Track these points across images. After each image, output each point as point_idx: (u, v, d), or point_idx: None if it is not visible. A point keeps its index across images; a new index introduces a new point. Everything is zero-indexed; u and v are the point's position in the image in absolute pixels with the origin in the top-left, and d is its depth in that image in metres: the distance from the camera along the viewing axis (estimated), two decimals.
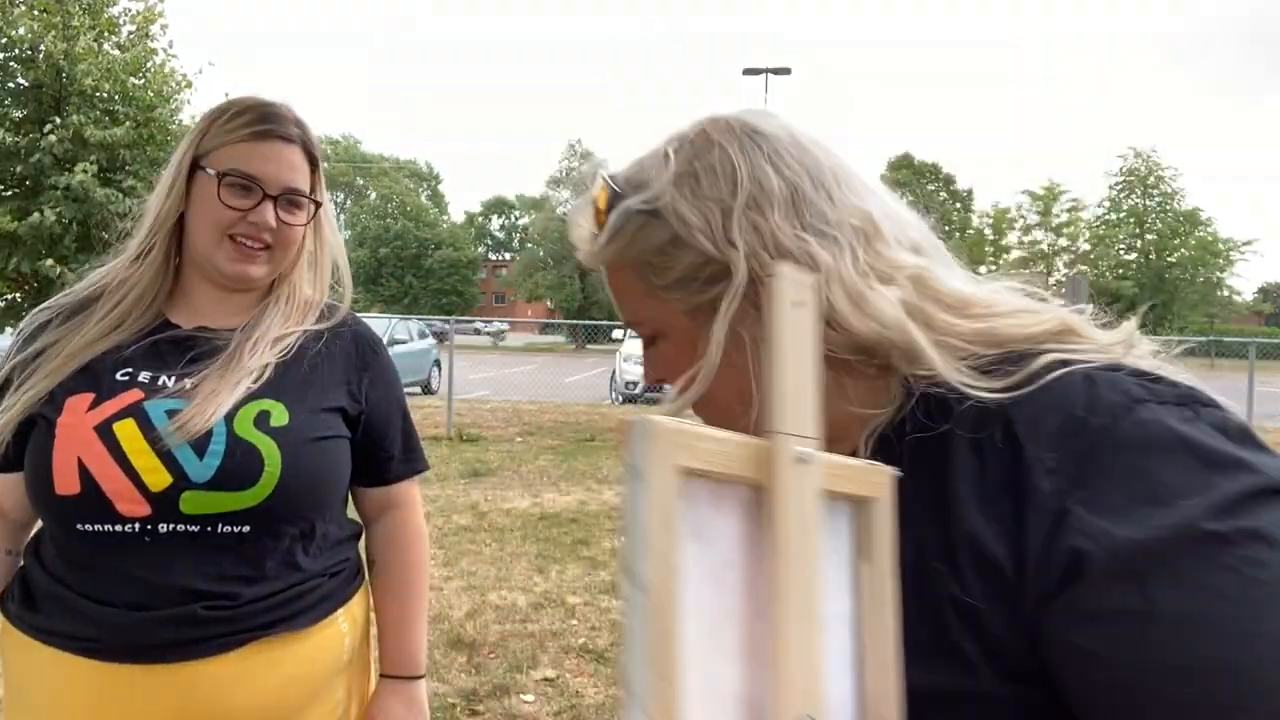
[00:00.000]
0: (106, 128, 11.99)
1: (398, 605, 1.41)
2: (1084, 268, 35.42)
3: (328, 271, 1.39)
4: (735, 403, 0.68)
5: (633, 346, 13.28)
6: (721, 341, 0.67)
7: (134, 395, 1.18)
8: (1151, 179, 38.93)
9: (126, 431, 1.15)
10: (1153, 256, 38.28)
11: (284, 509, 1.20)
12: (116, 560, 1.15)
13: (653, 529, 0.47)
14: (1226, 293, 40.35)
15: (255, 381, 1.21)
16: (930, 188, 52.46)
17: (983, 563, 0.58)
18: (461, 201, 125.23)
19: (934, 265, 0.70)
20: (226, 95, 1.34)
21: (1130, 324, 0.68)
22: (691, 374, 0.69)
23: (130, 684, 1.14)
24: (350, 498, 1.39)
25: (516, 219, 71.96)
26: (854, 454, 0.65)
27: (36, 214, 11.55)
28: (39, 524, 1.26)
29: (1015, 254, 41.16)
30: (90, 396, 1.18)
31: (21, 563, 1.27)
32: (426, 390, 15.52)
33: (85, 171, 11.55)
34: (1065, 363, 0.62)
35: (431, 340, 16.91)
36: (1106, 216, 39.58)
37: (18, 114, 12.43)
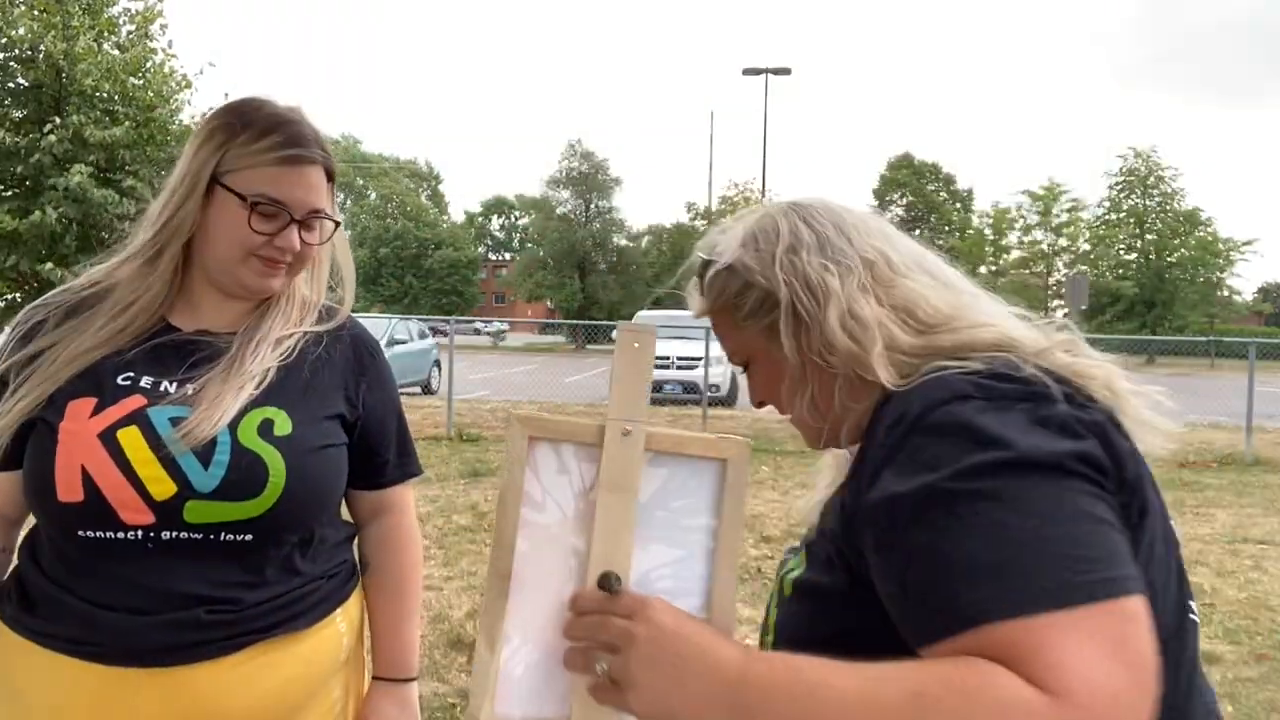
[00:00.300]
0: (106, 128, 11.99)
1: (391, 608, 1.42)
2: (1084, 268, 35.40)
3: (326, 272, 1.39)
4: (809, 418, 0.97)
5: None
6: (795, 348, 0.92)
7: (137, 401, 1.18)
8: (1151, 179, 38.91)
9: (130, 439, 1.14)
10: (1153, 256, 38.24)
11: (287, 518, 1.21)
12: (118, 566, 1.15)
13: (504, 507, 0.85)
14: (1226, 293, 40.33)
15: (257, 387, 1.21)
16: (930, 188, 52.44)
17: (842, 508, 0.85)
18: (461, 201, 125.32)
19: (925, 287, 0.91)
20: (227, 96, 1.33)
21: (1065, 335, 0.89)
22: (786, 391, 0.97)
23: (131, 687, 1.14)
24: (343, 500, 1.40)
25: (516, 219, 71.96)
26: (851, 441, 0.93)
27: (38, 212, 11.54)
28: (32, 522, 1.26)
29: (1015, 254, 41.17)
30: (92, 401, 1.17)
31: (15, 562, 1.26)
32: (426, 390, 15.53)
33: (81, 172, 11.54)
34: (942, 369, 0.82)
35: (431, 340, 16.91)
36: (1106, 216, 39.55)
37: (18, 114, 12.44)
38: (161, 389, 1.20)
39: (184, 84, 13.08)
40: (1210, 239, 37.88)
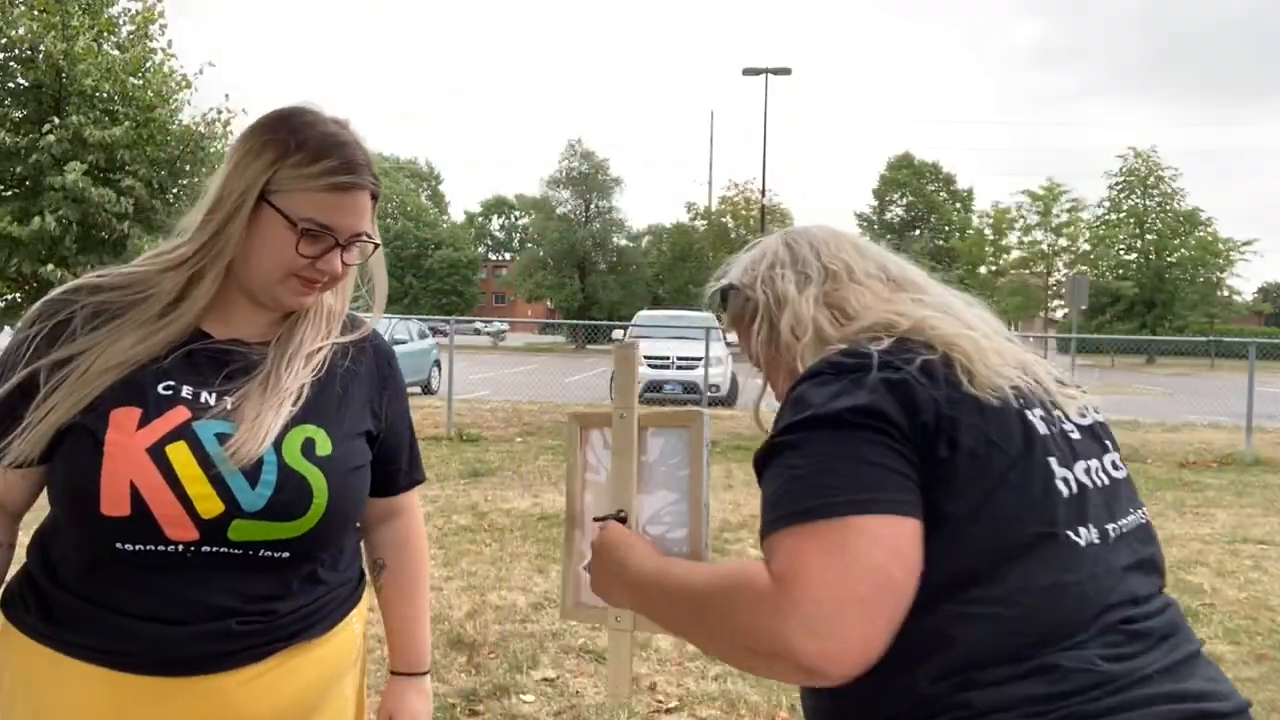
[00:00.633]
0: (106, 128, 11.98)
1: (406, 606, 1.46)
2: (1084, 268, 35.38)
3: (351, 282, 1.36)
4: (780, 382, 1.19)
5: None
6: (769, 344, 1.16)
7: (182, 414, 1.16)
8: (1151, 179, 38.92)
9: (180, 456, 1.13)
10: (1152, 256, 38.29)
11: (324, 537, 1.23)
12: (155, 578, 1.14)
13: (573, 474, 1.31)
14: (1226, 293, 40.34)
15: (295, 403, 1.21)
16: (930, 188, 52.43)
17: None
18: (461, 201, 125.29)
19: (866, 289, 1.12)
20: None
21: (953, 324, 1.05)
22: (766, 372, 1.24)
23: (157, 695, 1.14)
24: None
25: (516, 219, 71.99)
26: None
27: (37, 219, 11.53)
28: (35, 524, 1.25)
29: (1015, 254, 41.18)
30: (137, 412, 1.15)
31: (28, 570, 1.24)
32: (426, 390, 15.53)
33: (75, 170, 11.52)
34: (832, 352, 1.03)
35: (431, 340, 16.91)
36: (1106, 216, 39.56)
37: (18, 114, 12.43)
38: (202, 400, 1.19)
39: (184, 84, 13.06)
40: (1210, 239, 37.90)
